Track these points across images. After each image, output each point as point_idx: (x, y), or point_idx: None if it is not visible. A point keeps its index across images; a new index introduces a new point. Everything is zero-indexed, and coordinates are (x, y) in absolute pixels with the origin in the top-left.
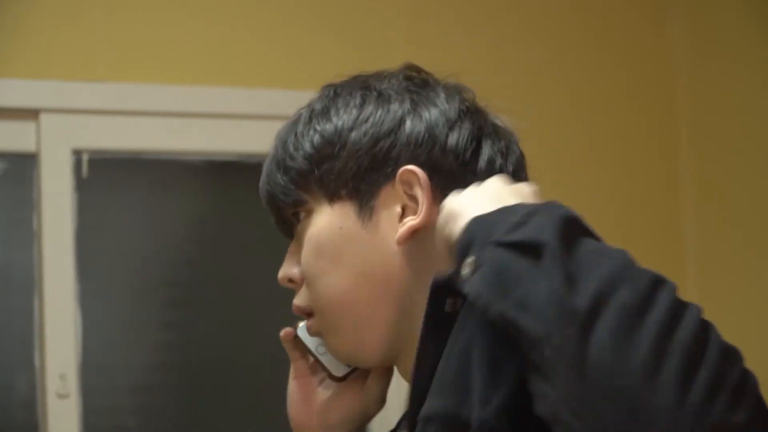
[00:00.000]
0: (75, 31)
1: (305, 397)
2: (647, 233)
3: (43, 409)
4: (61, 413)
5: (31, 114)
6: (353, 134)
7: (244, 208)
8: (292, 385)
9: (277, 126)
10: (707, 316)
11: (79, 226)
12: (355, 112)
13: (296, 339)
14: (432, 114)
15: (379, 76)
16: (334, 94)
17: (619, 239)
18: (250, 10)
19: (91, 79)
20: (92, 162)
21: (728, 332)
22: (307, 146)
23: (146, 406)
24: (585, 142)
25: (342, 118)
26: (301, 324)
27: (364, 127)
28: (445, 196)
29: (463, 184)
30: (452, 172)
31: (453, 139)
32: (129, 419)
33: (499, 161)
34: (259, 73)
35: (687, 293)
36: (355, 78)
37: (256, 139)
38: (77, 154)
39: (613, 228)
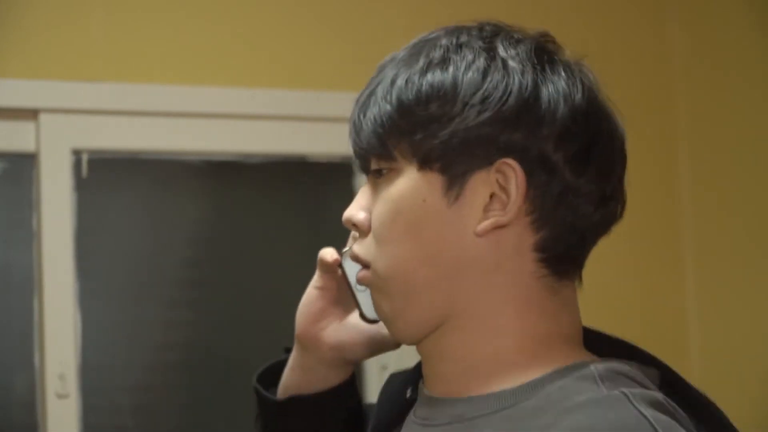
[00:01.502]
0: (74, 31)
1: (324, 310)
2: (646, 233)
3: (43, 409)
4: (60, 413)
5: (31, 114)
6: (471, 105)
7: (244, 208)
8: (314, 295)
9: (277, 126)
10: (706, 314)
11: (78, 226)
12: (478, 78)
13: (339, 265)
14: (558, 110)
15: (507, 37)
16: (456, 45)
17: (618, 240)
18: (249, 10)
19: (90, 79)
20: (92, 162)
21: (727, 330)
22: (417, 98)
23: (146, 406)
24: None
25: (464, 81)
26: (348, 254)
27: (484, 101)
28: (534, 194)
29: (556, 191)
30: (551, 172)
31: (560, 152)
32: (128, 419)
33: (598, 184)
34: (258, 73)
35: (686, 293)
36: (480, 30)
37: (255, 139)
38: (77, 154)
39: (612, 230)
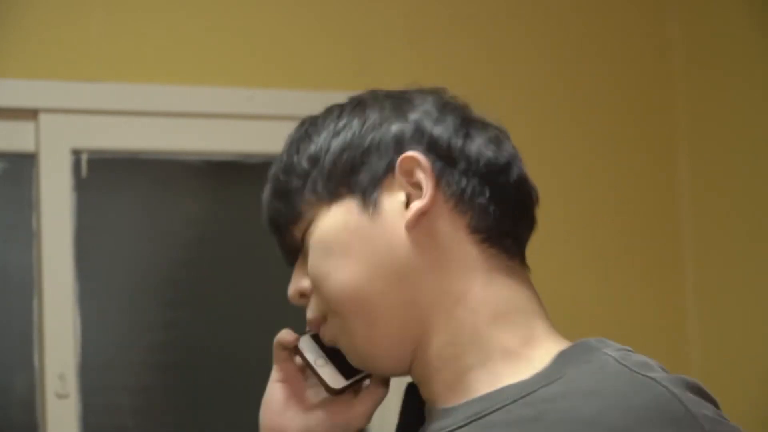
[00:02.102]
0: (74, 31)
1: (288, 401)
2: (646, 236)
3: (43, 409)
4: (60, 413)
5: (30, 114)
6: (337, 139)
7: (244, 208)
8: (276, 388)
9: (276, 126)
10: (706, 317)
11: (78, 226)
12: (333, 123)
13: (295, 349)
14: (414, 112)
15: (353, 98)
16: (311, 121)
17: (617, 242)
18: (249, 10)
19: (90, 79)
20: (91, 162)
21: (727, 332)
22: (296, 166)
23: (145, 406)
24: (583, 146)
25: (322, 132)
26: (304, 336)
27: (348, 131)
28: (445, 182)
29: (460, 170)
30: (447, 157)
31: (439, 130)
32: (128, 419)
33: (492, 149)
34: (258, 73)
35: (685, 294)
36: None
37: (255, 140)
38: (76, 154)
39: (612, 231)
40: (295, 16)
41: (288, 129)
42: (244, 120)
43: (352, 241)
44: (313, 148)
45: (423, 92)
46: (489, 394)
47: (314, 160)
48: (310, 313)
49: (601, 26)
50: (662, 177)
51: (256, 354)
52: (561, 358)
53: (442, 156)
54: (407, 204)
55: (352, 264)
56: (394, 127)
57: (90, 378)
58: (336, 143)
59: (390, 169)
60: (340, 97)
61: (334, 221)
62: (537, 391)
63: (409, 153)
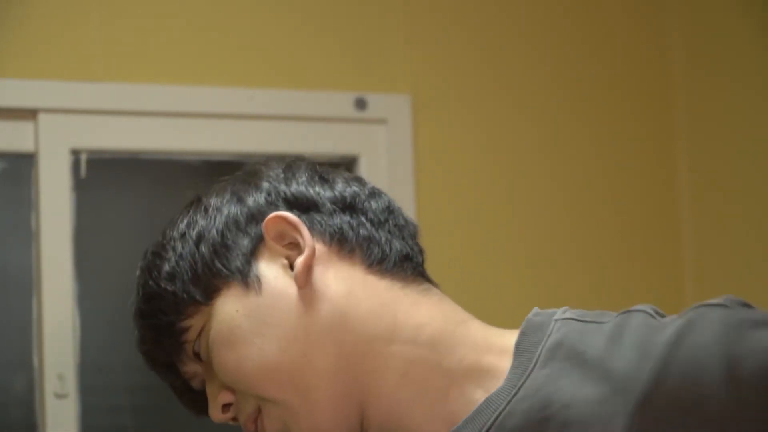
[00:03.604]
0: (73, 30)
1: None
2: (645, 236)
3: (41, 409)
4: (59, 413)
5: (29, 114)
6: (186, 241)
7: None
8: None
9: (276, 126)
10: None
11: (77, 226)
12: (176, 230)
13: None
14: (263, 181)
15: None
16: (154, 246)
17: (617, 243)
18: (249, 10)
19: (89, 79)
20: (91, 162)
21: None
22: (161, 292)
23: (145, 406)
24: (582, 145)
25: (168, 246)
26: None
27: (194, 228)
28: (318, 229)
29: (328, 212)
30: (311, 206)
31: (293, 186)
32: (128, 419)
33: (354, 183)
34: (257, 73)
35: (685, 295)
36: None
37: (254, 140)
38: (75, 154)
39: (612, 231)
40: (294, 16)
41: (288, 129)
42: (243, 120)
43: (250, 324)
44: (167, 265)
45: (267, 162)
46: (470, 418)
47: (172, 275)
48: (243, 415)
49: (601, 26)
50: (662, 177)
51: None
52: (520, 352)
53: (305, 207)
54: (290, 267)
55: (260, 343)
56: (247, 200)
57: (89, 378)
58: (186, 246)
59: (258, 241)
60: (340, 97)
61: (224, 315)
62: (518, 394)
63: (272, 214)
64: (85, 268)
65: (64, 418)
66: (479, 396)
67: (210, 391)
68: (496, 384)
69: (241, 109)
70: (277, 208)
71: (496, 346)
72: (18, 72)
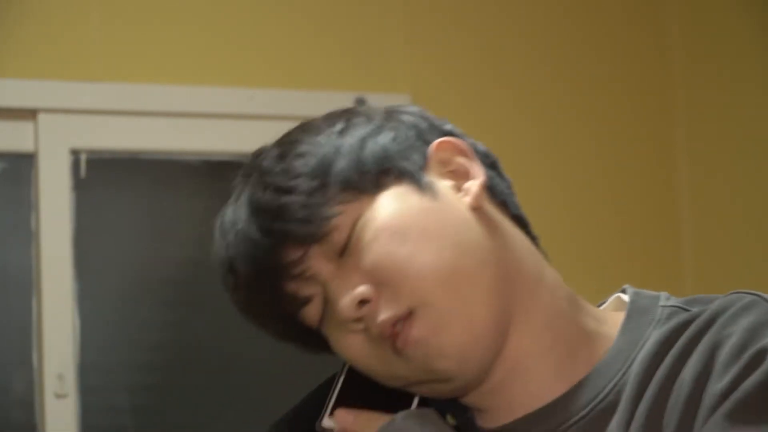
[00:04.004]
0: (73, 31)
1: None
2: (644, 235)
3: (41, 408)
4: (58, 413)
5: (29, 114)
6: (351, 135)
7: None
8: None
9: (275, 126)
10: None
11: (77, 226)
12: (332, 127)
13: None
14: (414, 118)
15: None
16: (298, 131)
17: (616, 242)
18: (248, 10)
19: (89, 79)
20: (90, 162)
21: None
22: (301, 174)
23: (144, 406)
24: (582, 145)
25: (319, 137)
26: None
27: (358, 128)
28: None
29: (477, 158)
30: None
31: (448, 125)
32: (127, 419)
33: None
34: (257, 73)
35: (685, 293)
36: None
37: (254, 139)
38: (75, 154)
39: (611, 231)
40: (294, 17)
41: (287, 128)
42: (243, 120)
43: (427, 221)
44: (313, 160)
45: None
46: (589, 377)
47: (325, 160)
48: (391, 311)
49: (601, 26)
50: (662, 177)
51: (255, 353)
52: (627, 330)
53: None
54: (457, 189)
55: (436, 243)
56: (407, 120)
57: (89, 378)
58: (351, 139)
59: (426, 159)
60: (340, 97)
61: (395, 207)
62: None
63: (444, 138)
64: (84, 268)
65: (64, 417)
66: (594, 362)
67: (344, 283)
68: (601, 354)
69: (241, 109)
70: (439, 135)
71: (609, 320)
72: (18, 72)
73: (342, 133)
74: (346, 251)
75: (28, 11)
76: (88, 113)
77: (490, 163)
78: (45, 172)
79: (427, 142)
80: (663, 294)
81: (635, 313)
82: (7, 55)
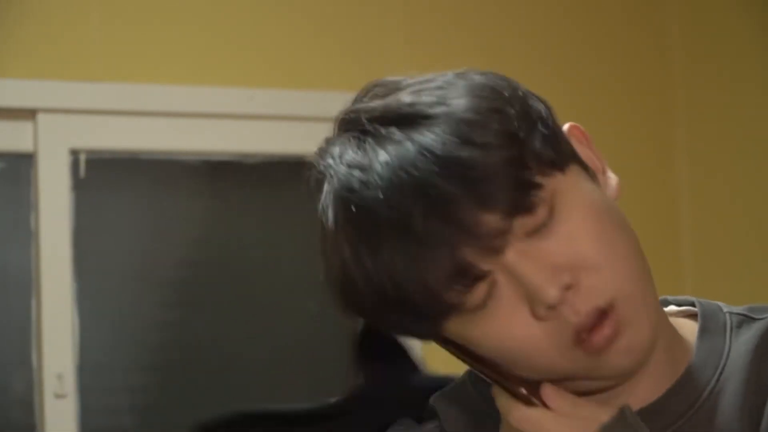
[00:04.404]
0: (72, 31)
1: None
2: (644, 235)
3: (41, 408)
4: (58, 413)
5: (29, 114)
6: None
7: (242, 208)
8: None
9: (275, 126)
10: None
11: (76, 225)
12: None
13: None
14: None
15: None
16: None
17: None
18: (249, 10)
19: (88, 79)
20: (89, 162)
21: None
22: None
23: (143, 406)
24: None
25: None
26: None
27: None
28: None
29: None
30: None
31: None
32: (126, 419)
33: None
34: (256, 73)
35: (683, 291)
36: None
37: (253, 140)
38: (74, 154)
39: None
40: (293, 17)
41: (287, 129)
42: (242, 120)
43: (610, 210)
44: (506, 108)
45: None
46: (683, 381)
47: (522, 123)
48: (600, 298)
49: (601, 27)
50: (661, 176)
51: (255, 354)
52: (707, 334)
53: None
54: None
55: (624, 232)
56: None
57: (88, 378)
58: (537, 108)
59: (568, 137)
60: (340, 97)
61: (591, 191)
62: (723, 373)
63: (573, 124)
64: (84, 268)
65: (63, 418)
66: (684, 364)
67: (542, 266)
68: (687, 357)
69: (241, 109)
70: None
71: (680, 323)
72: (17, 72)
73: (525, 97)
74: (543, 229)
75: (27, 11)
76: (87, 113)
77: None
78: (44, 172)
79: (548, 113)
80: (716, 302)
81: (707, 320)
82: (6, 55)
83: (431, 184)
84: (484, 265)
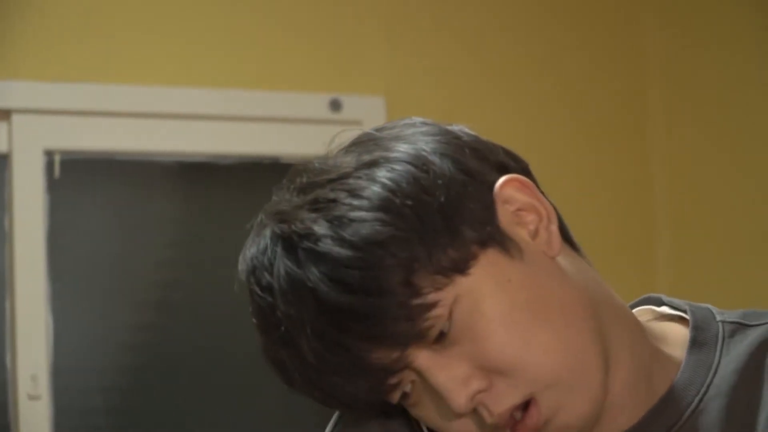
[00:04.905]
0: (47, 31)
1: None
2: (620, 232)
3: (14, 410)
4: (32, 414)
5: (3, 114)
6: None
7: (217, 209)
8: None
9: (250, 127)
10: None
11: (50, 226)
12: (395, 184)
13: None
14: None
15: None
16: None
17: (591, 237)
18: (224, 11)
19: (63, 79)
20: (64, 162)
21: None
22: (400, 256)
23: (118, 408)
24: (557, 144)
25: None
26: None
27: (427, 178)
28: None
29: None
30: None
31: (494, 157)
32: (101, 421)
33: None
34: (231, 74)
35: (657, 288)
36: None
37: (228, 141)
38: (49, 154)
39: (586, 226)
40: (268, 17)
41: (262, 130)
42: (217, 121)
43: (529, 297)
44: (381, 228)
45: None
46: (666, 399)
47: (404, 240)
48: (511, 400)
49: (577, 19)
50: (637, 172)
51: (230, 355)
52: (694, 348)
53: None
54: (533, 234)
55: (545, 320)
56: (467, 164)
57: (62, 379)
58: (425, 205)
59: (493, 205)
60: (315, 98)
61: (496, 289)
62: (708, 393)
63: (507, 177)
64: (58, 269)
65: (37, 419)
66: (668, 382)
67: (450, 374)
68: (674, 372)
69: (216, 110)
70: (497, 173)
71: (668, 335)
72: None
73: (397, 189)
74: (446, 339)
75: (1, 12)
76: (62, 114)
77: (522, 170)
78: (19, 173)
79: (484, 182)
80: (709, 306)
81: (699, 331)
82: None
83: (317, 331)
84: (393, 379)
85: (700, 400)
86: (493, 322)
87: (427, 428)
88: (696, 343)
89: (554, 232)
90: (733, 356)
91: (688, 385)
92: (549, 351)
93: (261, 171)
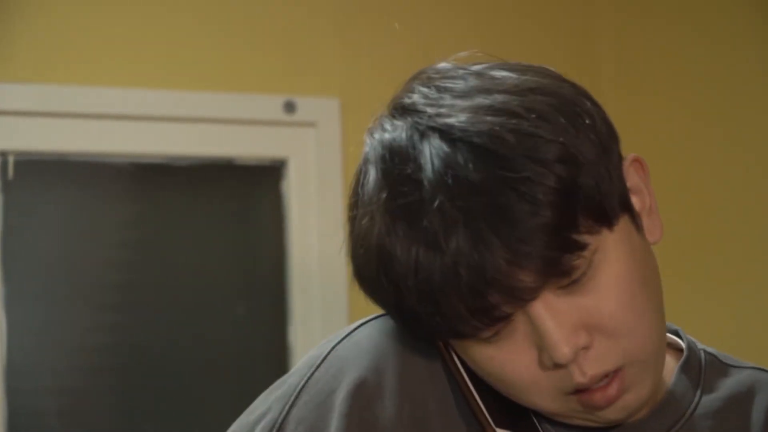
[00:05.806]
0: None
1: None
2: None
3: None
4: None
5: None
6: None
7: (171, 210)
8: None
9: (204, 128)
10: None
11: (4, 228)
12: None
13: None
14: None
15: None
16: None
17: None
18: (177, 12)
19: (16, 80)
20: (18, 164)
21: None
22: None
23: (72, 410)
24: None
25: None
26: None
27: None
28: None
29: None
30: None
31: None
32: (54, 422)
33: None
34: (185, 75)
35: None
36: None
37: (183, 142)
38: (3, 155)
39: None
40: (221, 19)
41: (215, 132)
42: (171, 122)
43: (645, 272)
44: (558, 149)
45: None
46: (666, 401)
47: (607, 154)
48: (604, 365)
49: (535, 30)
50: None
51: (184, 356)
52: (686, 371)
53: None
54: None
55: (651, 296)
56: (591, 123)
57: (15, 381)
58: (589, 150)
59: (622, 176)
60: (270, 100)
61: (628, 252)
62: (696, 412)
63: (634, 156)
64: (11, 271)
65: None
66: (661, 393)
67: (562, 322)
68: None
69: (170, 112)
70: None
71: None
72: None
73: (594, 125)
74: (575, 285)
75: None
76: (15, 115)
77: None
78: None
79: (610, 152)
80: (693, 339)
81: (690, 351)
82: None
83: (475, 220)
84: (508, 309)
85: (688, 419)
86: (621, 284)
87: (464, 371)
88: (687, 362)
89: (658, 220)
90: (712, 398)
91: (682, 396)
92: (653, 328)
93: (215, 172)
